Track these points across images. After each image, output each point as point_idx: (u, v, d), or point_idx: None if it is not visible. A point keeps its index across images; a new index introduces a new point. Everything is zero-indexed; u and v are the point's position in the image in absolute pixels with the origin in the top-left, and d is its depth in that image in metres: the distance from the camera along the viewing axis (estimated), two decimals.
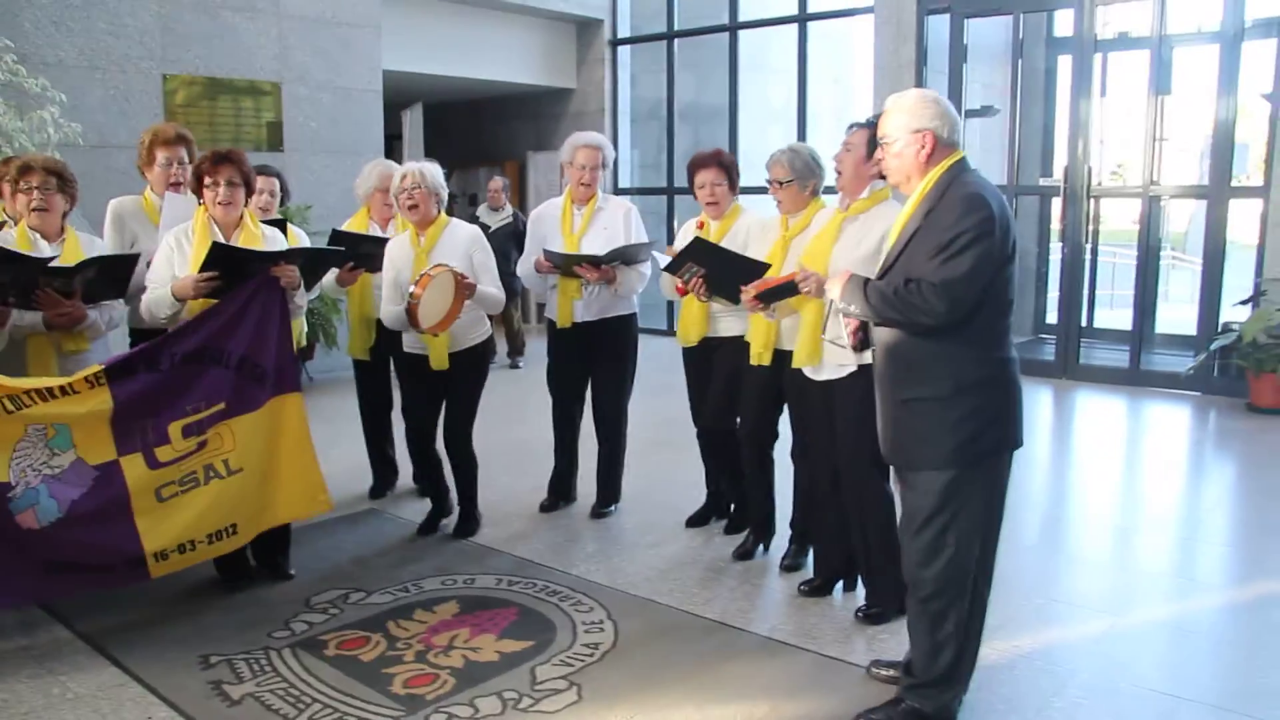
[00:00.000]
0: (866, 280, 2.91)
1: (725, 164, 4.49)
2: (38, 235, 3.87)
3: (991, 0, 9.21)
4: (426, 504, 5.06)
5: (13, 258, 3.56)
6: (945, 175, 2.85)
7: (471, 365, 4.63)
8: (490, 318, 4.69)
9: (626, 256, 4.69)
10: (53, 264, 3.69)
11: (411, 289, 4.19)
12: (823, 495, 3.96)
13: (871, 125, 3.64)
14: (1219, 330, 8.06)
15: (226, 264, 3.79)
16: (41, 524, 3.47)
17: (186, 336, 3.74)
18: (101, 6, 7.68)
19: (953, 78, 9.20)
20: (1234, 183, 8.32)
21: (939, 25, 9.31)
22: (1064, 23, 11.02)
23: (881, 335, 2.94)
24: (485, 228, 9.33)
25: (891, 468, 3.20)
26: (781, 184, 4.09)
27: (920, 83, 9.27)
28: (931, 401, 2.83)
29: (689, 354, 4.68)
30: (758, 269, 3.93)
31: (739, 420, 4.48)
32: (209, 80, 8.31)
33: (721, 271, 4.05)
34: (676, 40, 11.48)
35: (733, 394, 4.43)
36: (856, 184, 3.66)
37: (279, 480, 3.97)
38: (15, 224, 3.93)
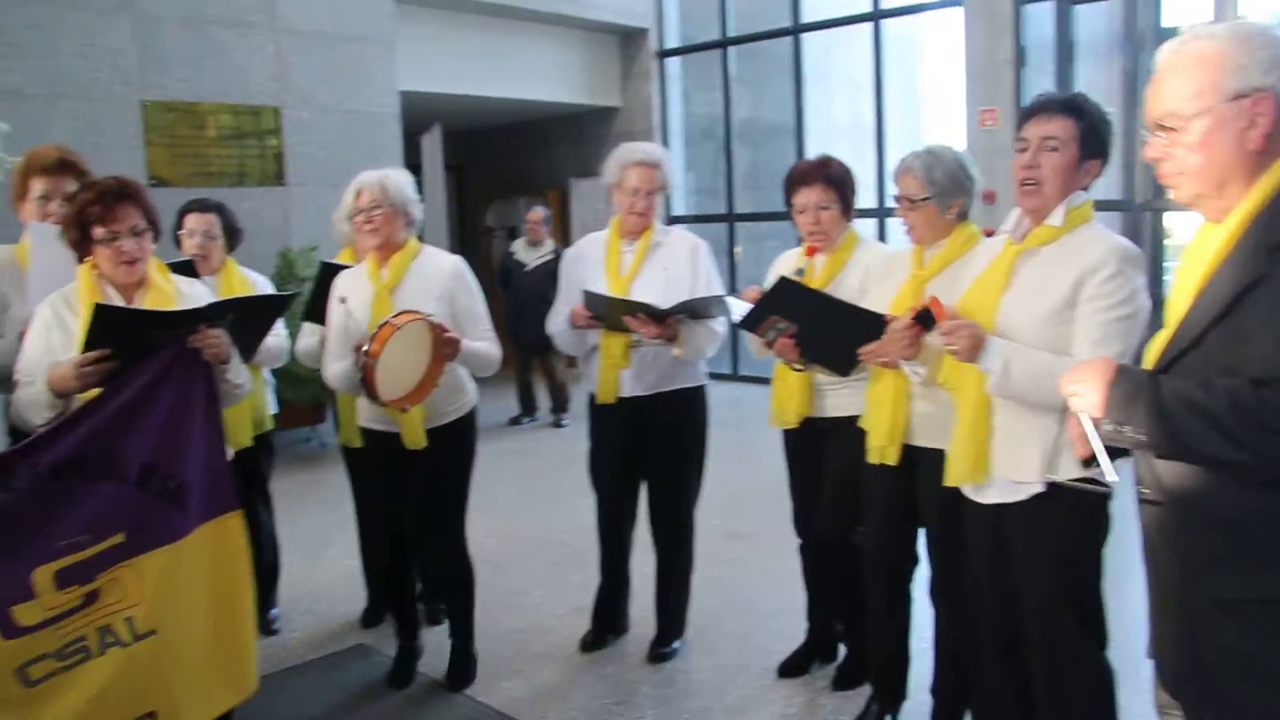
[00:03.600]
0: (1153, 377, 1.57)
1: (835, 178, 3.18)
2: None
3: None
4: (435, 636, 3.82)
5: None
6: None
7: (454, 444, 3.41)
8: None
9: (696, 310, 3.40)
10: None
11: (367, 345, 2.98)
12: (986, 662, 2.63)
13: (1071, 105, 2.35)
14: None
15: (122, 335, 2.59)
16: None
17: (59, 440, 2.51)
18: (63, 26, 6.59)
19: (1060, 77, 7.83)
20: None
21: (1039, 15, 7.97)
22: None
23: (1168, 474, 1.62)
24: (521, 265, 8.11)
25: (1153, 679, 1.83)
26: (914, 202, 2.81)
27: (1019, 83, 7.92)
28: None
29: (790, 438, 3.39)
30: (875, 324, 2.64)
31: (866, 537, 3.14)
32: (196, 106, 7.19)
33: (821, 328, 2.79)
34: (731, 48, 10.20)
35: (851, 497, 3.12)
36: (1058, 199, 2.35)
37: (214, 645, 2.71)
38: None
